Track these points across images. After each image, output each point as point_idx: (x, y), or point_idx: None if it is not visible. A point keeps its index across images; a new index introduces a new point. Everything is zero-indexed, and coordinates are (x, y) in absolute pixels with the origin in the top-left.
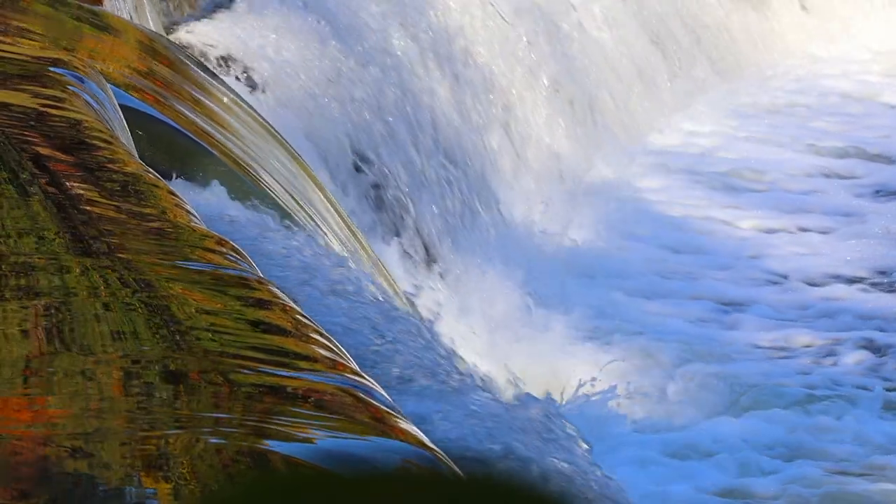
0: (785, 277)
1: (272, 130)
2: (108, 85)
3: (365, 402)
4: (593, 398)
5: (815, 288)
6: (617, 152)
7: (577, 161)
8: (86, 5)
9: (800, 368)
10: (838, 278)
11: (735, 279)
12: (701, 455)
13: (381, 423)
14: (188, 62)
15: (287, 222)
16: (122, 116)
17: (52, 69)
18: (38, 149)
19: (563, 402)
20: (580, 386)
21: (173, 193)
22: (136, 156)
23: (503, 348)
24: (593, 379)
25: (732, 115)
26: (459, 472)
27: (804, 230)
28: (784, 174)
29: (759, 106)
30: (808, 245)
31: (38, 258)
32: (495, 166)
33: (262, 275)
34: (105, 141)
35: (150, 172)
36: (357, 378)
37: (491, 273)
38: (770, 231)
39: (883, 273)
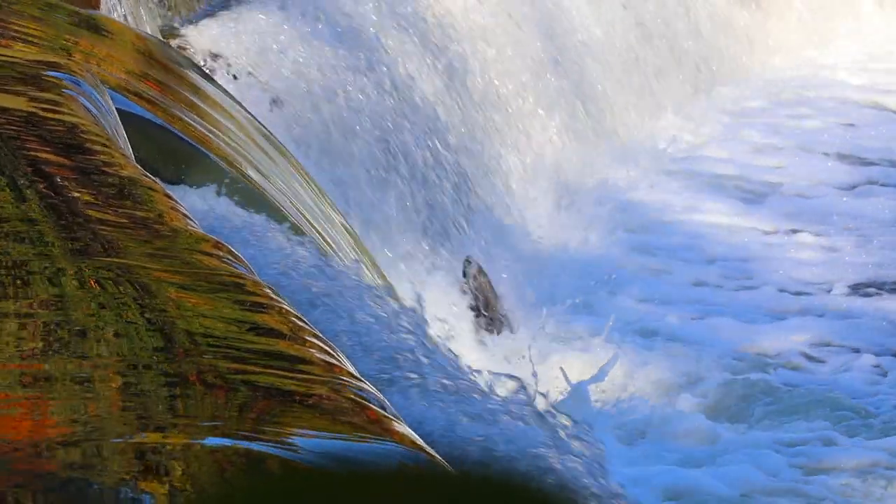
0: (796, 283)
1: (267, 132)
2: (105, 88)
3: (361, 405)
4: (619, 402)
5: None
6: (622, 157)
7: (583, 168)
8: (82, 9)
9: (828, 377)
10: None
11: (744, 285)
12: (722, 460)
13: (377, 426)
14: (184, 65)
15: (285, 225)
16: (119, 120)
17: (48, 73)
18: (35, 152)
19: (580, 402)
20: (603, 390)
21: (170, 197)
22: (133, 159)
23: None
24: (623, 385)
25: (734, 118)
26: (454, 473)
27: (818, 235)
28: (795, 179)
29: (761, 109)
30: (810, 248)
31: (35, 261)
32: (499, 174)
33: (258, 278)
34: (102, 144)
35: (146, 176)
36: (353, 381)
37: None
38: (787, 234)
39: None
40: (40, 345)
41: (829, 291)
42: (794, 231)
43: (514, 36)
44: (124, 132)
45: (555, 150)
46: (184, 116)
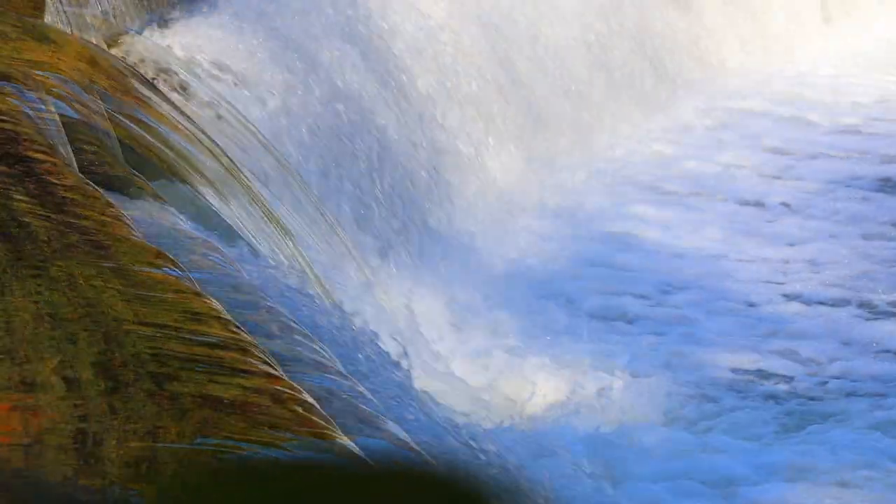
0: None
1: (212, 142)
2: (49, 97)
3: (302, 416)
4: (561, 412)
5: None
6: (569, 168)
7: (528, 180)
8: (27, 18)
9: (776, 388)
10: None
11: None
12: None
13: (318, 436)
14: (128, 75)
15: (227, 233)
16: (62, 128)
17: None
18: None
19: (523, 414)
20: (540, 397)
21: (112, 206)
22: (76, 168)
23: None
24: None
25: (683, 129)
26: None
27: (755, 249)
28: (742, 190)
29: (711, 119)
30: (766, 262)
31: None
32: (443, 184)
33: (199, 288)
34: (44, 153)
35: (89, 185)
36: (294, 392)
37: (437, 292)
38: (730, 247)
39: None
40: None
41: (821, 304)
42: (745, 241)
43: (464, 45)
44: (67, 141)
45: (507, 162)
46: (128, 125)
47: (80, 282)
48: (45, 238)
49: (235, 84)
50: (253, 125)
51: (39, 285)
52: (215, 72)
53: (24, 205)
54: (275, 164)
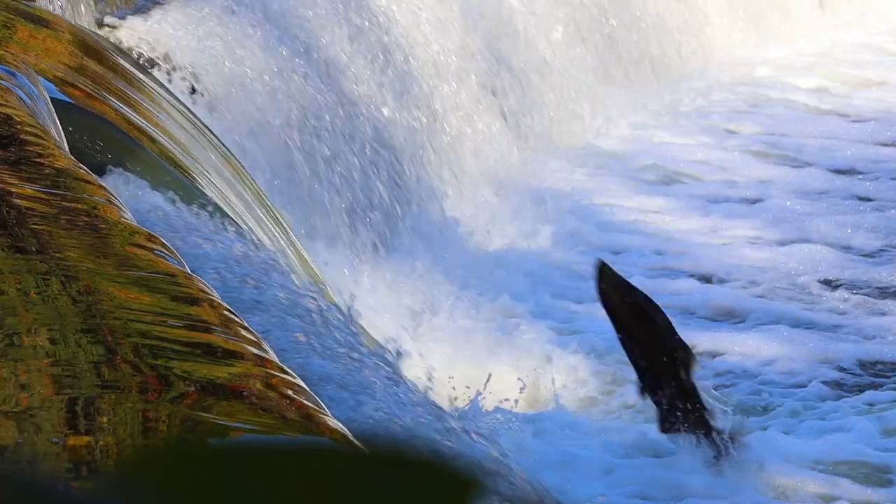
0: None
1: (201, 126)
2: (40, 79)
3: (293, 400)
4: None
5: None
6: (559, 155)
7: (518, 165)
8: (19, 0)
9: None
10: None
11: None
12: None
13: (308, 420)
14: (120, 58)
15: (218, 217)
16: (54, 111)
17: None
18: None
19: (508, 400)
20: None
21: (104, 188)
22: (68, 151)
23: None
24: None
25: (674, 117)
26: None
27: (745, 233)
28: (732, 177)
29: (700, 109)
30: (749, 247)
31: None
32: (434, 171)
33: (189, 270)
34: (36, 136)
35: (81, 167)
36: (285, 375)
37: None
38: (707, 230)
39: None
40: None
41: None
42: (744, 233)
43: (453, 34)
44: (59, 123)
45: (495, 149)
46: (119, 108)
47: (73, 264)
48: (38, 221)
49: (223, 67)
50: (240, 110)
51: (31, 268)
52: (204, 54)
53: (15, 187)
54: (259, 149)
